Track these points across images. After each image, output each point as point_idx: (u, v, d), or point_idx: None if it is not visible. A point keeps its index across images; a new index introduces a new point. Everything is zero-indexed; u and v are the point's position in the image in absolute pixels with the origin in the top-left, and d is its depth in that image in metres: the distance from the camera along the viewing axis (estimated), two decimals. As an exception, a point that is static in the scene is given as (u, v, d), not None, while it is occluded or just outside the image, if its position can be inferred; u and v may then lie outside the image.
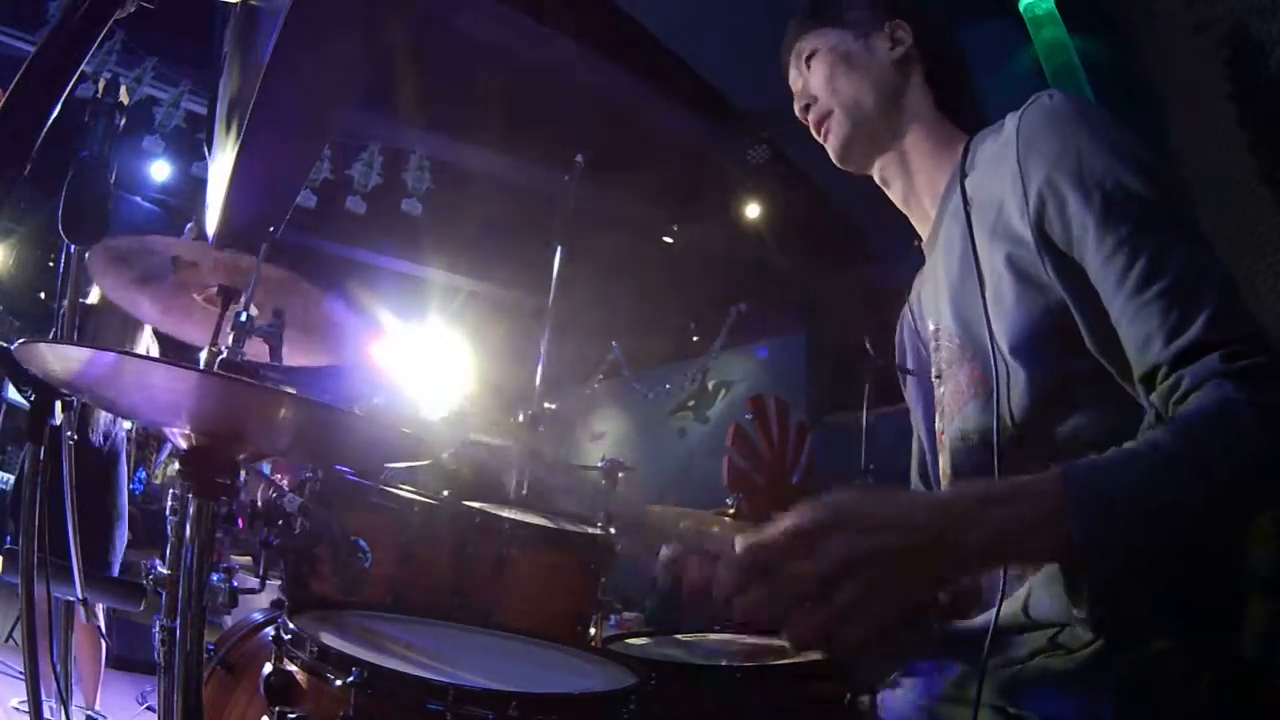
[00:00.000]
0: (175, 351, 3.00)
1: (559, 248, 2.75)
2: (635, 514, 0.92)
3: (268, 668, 1.01)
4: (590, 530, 1.79)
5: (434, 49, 4.11)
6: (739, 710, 1.23)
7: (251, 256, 1.55)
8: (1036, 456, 0.90)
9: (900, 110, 1.12)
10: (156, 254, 1.68)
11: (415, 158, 5.44)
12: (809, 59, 1.17)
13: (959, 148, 1.06)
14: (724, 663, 1.40)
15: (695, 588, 0.79)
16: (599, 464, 2.20)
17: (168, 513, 1.53)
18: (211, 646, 1.52)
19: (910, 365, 1.21)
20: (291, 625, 1.04)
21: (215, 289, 1.71)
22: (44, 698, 1.44)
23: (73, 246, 1.42)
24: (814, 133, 1.17)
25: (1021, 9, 3.23)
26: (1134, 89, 2.86)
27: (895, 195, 1.16)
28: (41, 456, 1.35)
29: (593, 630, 1.63)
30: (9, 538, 2.58)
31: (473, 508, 1.63)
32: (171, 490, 1.52)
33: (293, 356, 1.62)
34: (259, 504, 1.47)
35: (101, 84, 1.26)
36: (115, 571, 3.17)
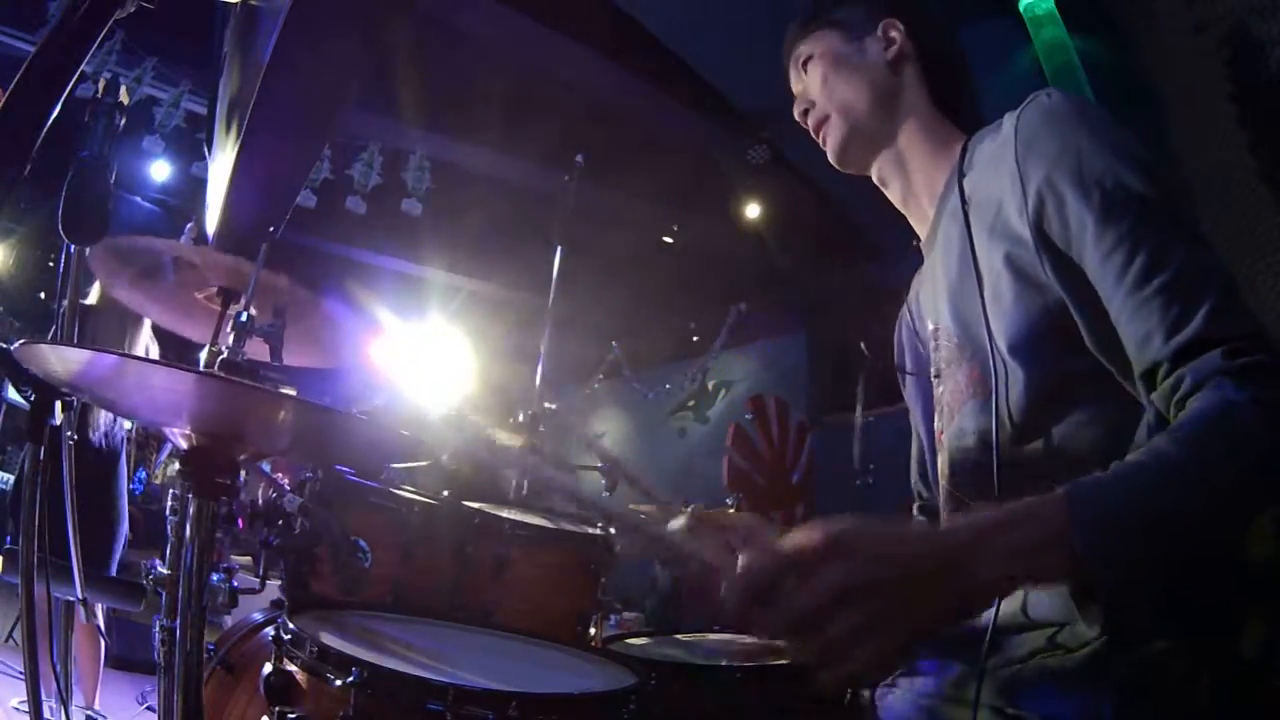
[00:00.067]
0: (176, 349, 3.01)
1: (559, 248, 2.75)
2: (634, 518, 0.92)
3: (268, 668, 1.01)
4: (590, 530, 1.79)
5: (434, 49, 4.11)
6: (739, 710, 1.23)
7: (251, 261, 1.55)
8: (1035, 456, 0.91)
9: (896, 110, 1.12)
10: (157, 254, 1.68)
11: (415, 158, 5.44)
12: (806, 63, 1.18)
13: (957, 147, 1.06)
14: (724, 663, 1.40)
15: (697, 581, 0.79)
16: (599, 464, 2.20)
17: (168, 513, 1.53)
18: (211, 646, 1.52)
19: (909, 365, 1.21)
20: (291, 625, 1.04)
21: (215, 289, 1.71)
22: (44, 698, 1.44)
23: (73, 246, 1.42)
24: (813, 136, 1.18)
25: (1021, 9, 3.23)
26: (1134, 89, 2.86)
27: (894, 195, 1.16)
28: (41, 456, 1.35)
29: (593, 630, 1.63)
30: (9, 538, 2.58)
31: (473, 508, 1.63)
32: (171, 490, 1.52)
33: (293, 357, 1.62)
34: (259, 504, 1.47)
35: (101, 84, 1.26)
36: (113, 571, 3.17)
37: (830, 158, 1.17)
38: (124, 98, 1.27)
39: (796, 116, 1.19)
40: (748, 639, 1.59)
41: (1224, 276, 0.80)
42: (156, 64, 4.63)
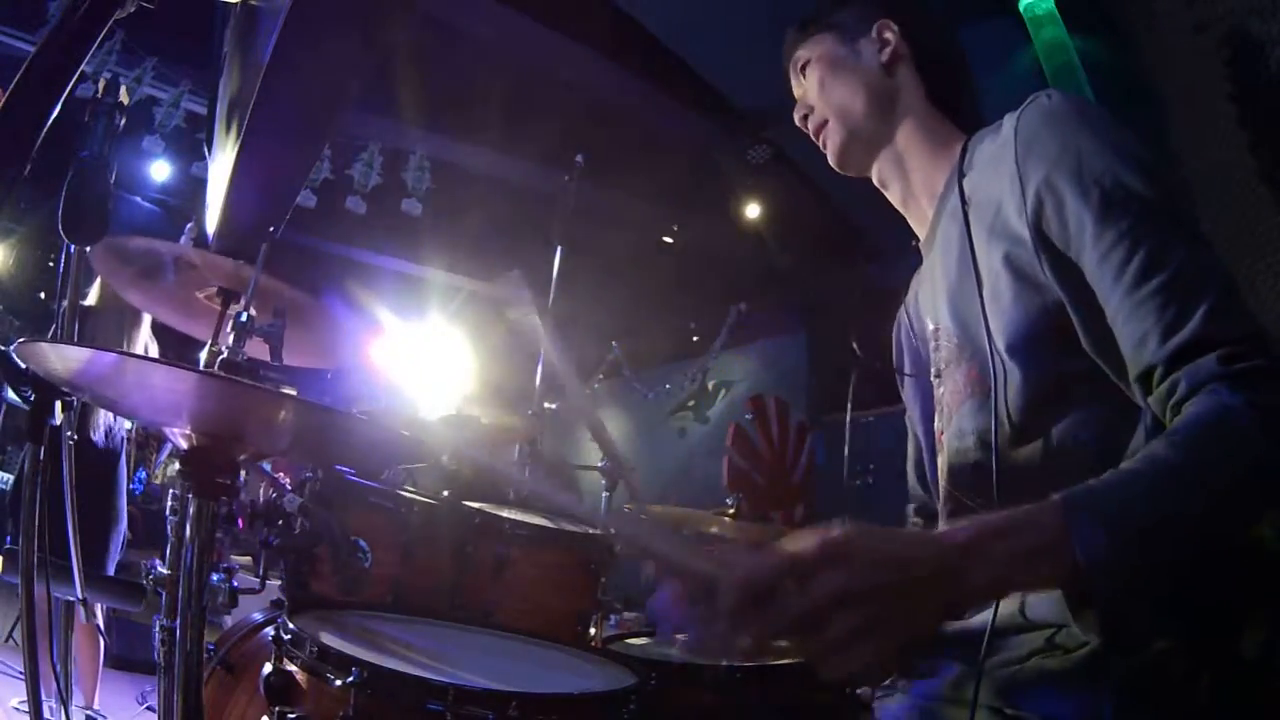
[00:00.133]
0: (176, 347, 3.01)
1: (559, 248, 2.75)
2: (636, 531, 0.92)
3: (268, 668, 1.01)
4: (590, 530, 1.79)
5: (434, 49, 4.11)
6: (739, 710, 1.23)
7: (251, 264, 1.55)
8: (1034, 456, 0.91)
9: (893, 110, 1.12)
10: (157, 254, 1.68)
11: (415, 158, 5.44)
12: (804, 68, 1.18)
13: (956, 147, 1.06)
14: (724, 663, 1.40)
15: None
16: (599, 464, 2.20)
17: (168, 513, 1.53)
18: (211, 646, 1.52)
19: (907, 366, 1.21)
20: (291, 625, 1.04)
21: (216, 289, 1.71)
22: (44, 698, 1.44)
23: (73, 246, 1.42)
24: (814, 140, 1.18)
25: (1021, 9, 3.23)
26: (1134, 89, 2.86)
27: (894, 196, 1.16)
28: (41, 456, 1.35)
29: (593, 630, 1.63)
30: (9, 538, 2.58)
31: (473, 508, 1.63)
32: (171, 490, 1.52)
33: (293, 358, 1.62)
34: (259, 504, 1.47)
35: (101, 84, 1.26)
36: (110, 571, 3.17)
37: (831, 161, 1.17)
38: (124, 98, 1.27)
39: (797, 122, 1.19)
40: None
41: (1223, 277, 0.80)
42: (156, 64, 4.63)
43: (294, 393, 1.01)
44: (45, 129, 0.68)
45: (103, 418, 3.19)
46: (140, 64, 4.57)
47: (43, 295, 6.57)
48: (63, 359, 1.04)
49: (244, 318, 1.46)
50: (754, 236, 5.69)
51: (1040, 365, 0.90)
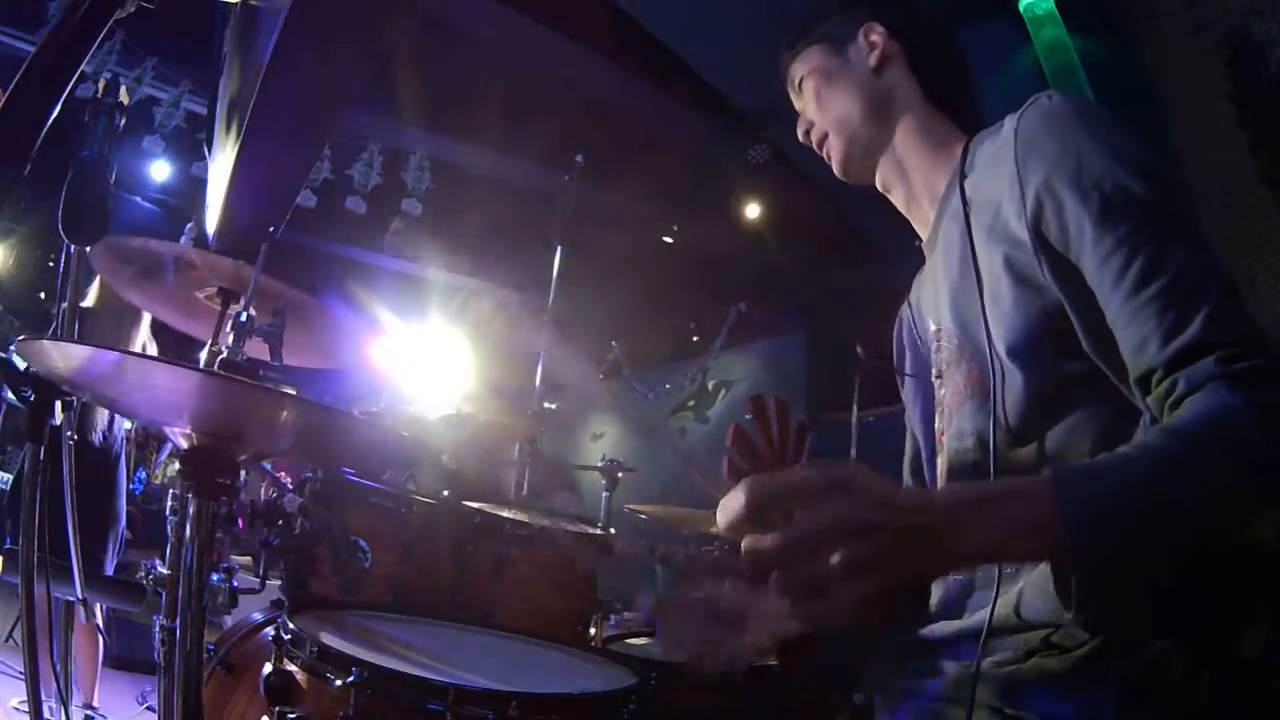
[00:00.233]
0: (175, 347, 3.01)
1: (559, 248, 2.75)
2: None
3: (268, 668, 1.01)
4: (590, 530, 1.79)
5: (434, 49, 4.11)
6: (739, 710, 1.23)
7: (251, 264, 1.55)
8: (1033, 458, 0.91)
9: (890, 113, 1.12)
10: (157, 254, 1.68)
11: (415, 158, 5.44)
12: (800, 84, 1.19)
13: (957, 148, 1.06)
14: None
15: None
16: (599, 464, 2.20)
17: (168, 513, 1.53)
18: (211, 646, 1.52)
19: (908, 366, 1.21)
20: (291, 625, 1.04)
21: (216, 289, 1.71)
22: (44, 698, 1.43)
23: (73, 246, 1.42)
24: (818, 153, 1.19)
25: (1021, 9, 3.23)
26: (1134, 89, 2.86)
27: (897, 200, 1.16)
28: (41, 456, 1.35)
29: (593, 630, 1.63)
30: (9, 538, 2.58)
31: (473, 508, 1.63)
32: (171, 490, 1.52)
33: (293, 357, 1.62)
34: (259, 504, 1.47)
35: (101, 84, 1.26)
36: (109, 571, 3.18)
37: (836, 172, 1.17)
38: (124, 98, 1.27)
39: (800, 138, 1.20)
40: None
41: (1223, 280, 0.80)
42: (156, 64, 4.64)
43: (294, 392, 1.01)
44: (45, 129, 0.68)
45: (100, 418, 3.19)
46: (140, 64, 4.58)
47: (43, 295, 6.57)
48: (64, 357, 1.04)
49: (244, 317, 1.46)
50: (754, 236, 5.69)
51: (1040, 367, 0.90)
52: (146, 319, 3.23)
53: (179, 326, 1.89)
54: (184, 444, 1.06)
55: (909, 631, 1.02)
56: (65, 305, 1.49)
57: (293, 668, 1.01)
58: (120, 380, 1.08)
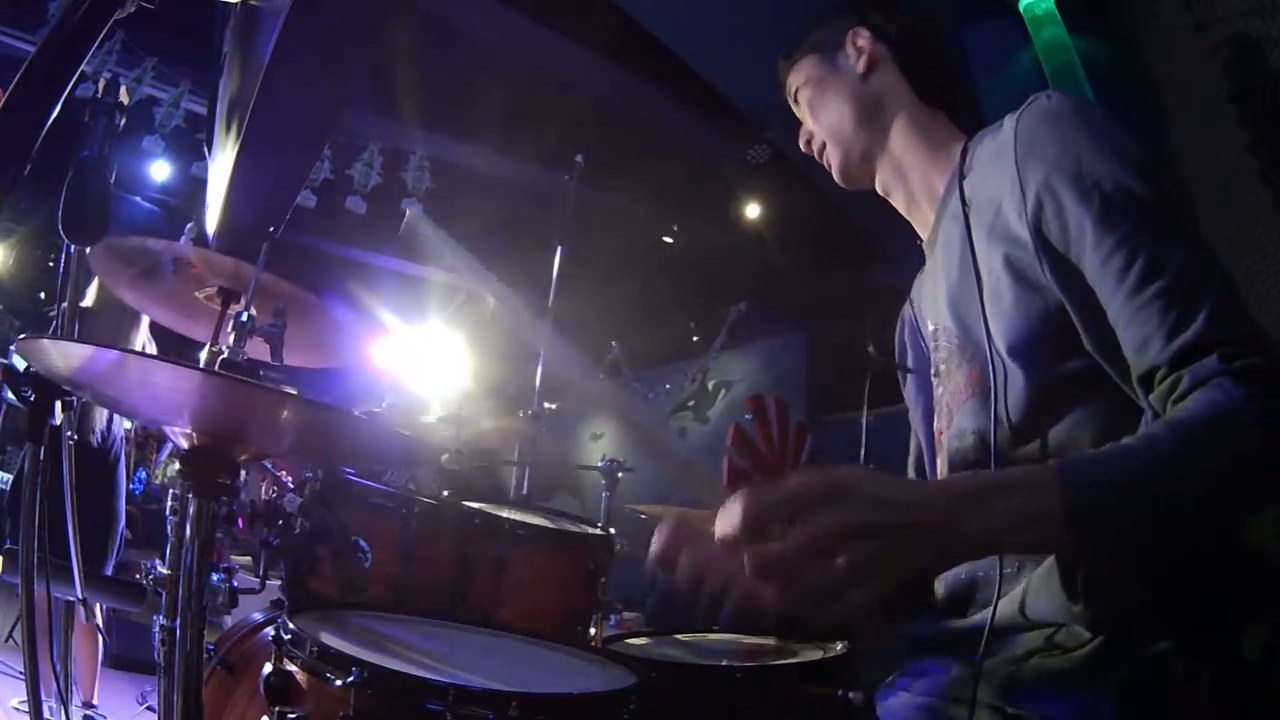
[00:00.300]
0: (175, 347, 3.01)
1: (559, 248, 2.75)
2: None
3: (268, 668, 1.01)
4: (590, 530, 1.79)
5: (434, 49, 4.11)
6: (739, 710, 1.23)
7: (251, 263, 1.55)
8: (1033, 456, 0.91)
9: (882, 116, 1.12)
10: (156, 254, 1.68)
11: (415, 158, 5.44)
12: (797, 95, 1.20)
13: (956, 148, 1.06)
14: (724, 663, 1.40)
15: (686, 580, 0.79)
16: (599, 464, 2.20)
17: (168, 513, 1.53)
18: (211, 646, 1.52)
19: (910, 364, 1.21)
20: (291, 625, 1.04)
21: (216, 289, 1.71)
22: (44, 697, 1.44)
23: (73, 246, 1.42)
24: (820, 162, 1.20)
25: (1021, 9, 3.23)
26: (1134, 89, 2.86)
27: (898, 202, 1.16)
28: (41, 456, 1.35)
29: (593, 630, 1.63)
30: (9, 538, 2.58)
31: (473, 508, 1.63)
32: (171, 490, 1.52)
33: (294, 357, 1.62)
34: (259, 504, 1.47)
35: (101, 84, 1.26)
36: (109, 571, 3.18)
37: (837, 180, 1.19)
38: (124, 98, 1.26)
39: (802, 148, 1.21)
40: (748, 639, 1.59)
41: (1223, 279, 0.80)
42: (156, 64, 4.64)
43: (294, 392, 1.01)
44: (45, 129, 0.68)
45: (99, 418, 3.19)
46: (140, 64, 4.58)
47: (43, 295, 6.57)
48: (64, 356, 1.04)
49: (244, 318, 1.46)
50: (754, 237, 5.69)
51: (1040, 366, 0.90)
52: (146, 318, 3.23)
53: (179, 329, 1.89)
54: (184, 444, 1.06)
55: (914, 623, 1.03)
56: (65, 305, 1.49)
57: (293, 668, 1.00)
58: (120, 380, 1.08)
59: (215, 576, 1.12)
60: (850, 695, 1.08)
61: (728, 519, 0.67)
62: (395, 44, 3.68)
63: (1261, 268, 2.10)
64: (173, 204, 5.82)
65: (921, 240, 1.15)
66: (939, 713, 0.95)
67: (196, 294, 1.74)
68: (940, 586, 1.01)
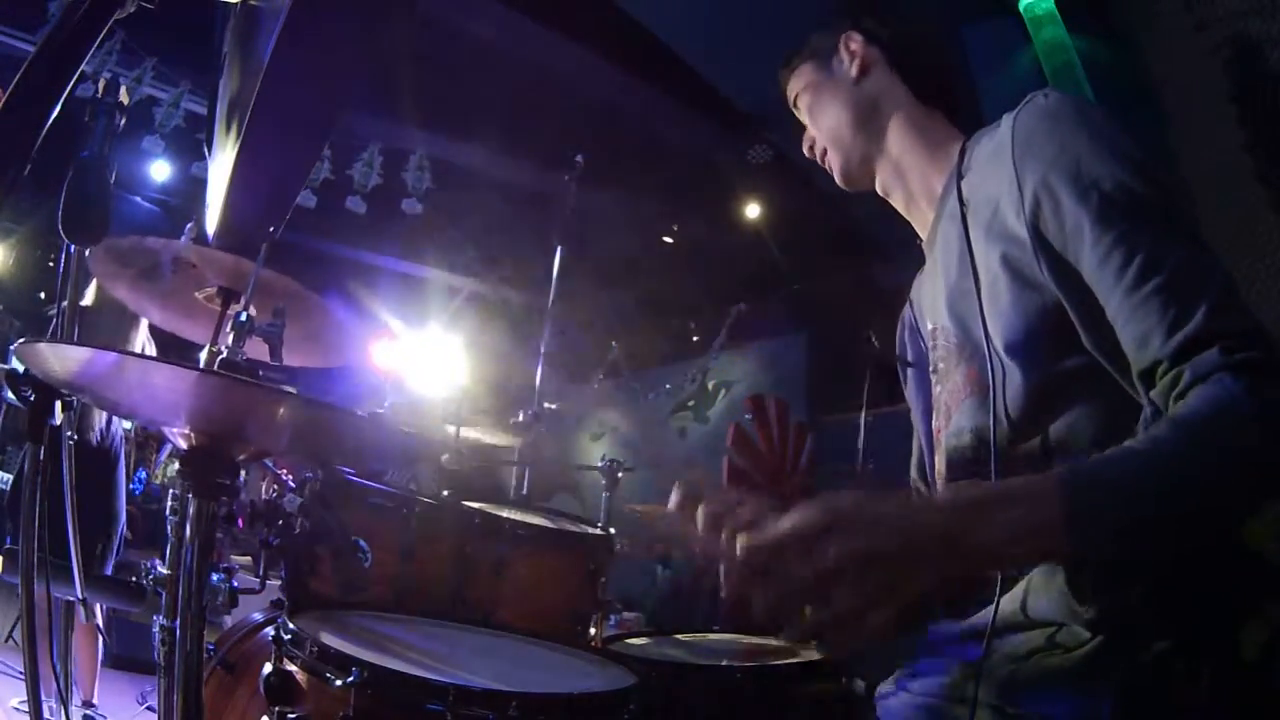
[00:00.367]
0: (174, 350, 3.01)
1: (559, 248, 2.75)
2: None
3: (268, 668, 1.01)
4: (590, 530, 1.79)
5: (434, 49, 4.11)
6: (739, 710, 1.23)
7: (251, 261, 1.55)
8: (1033, 454, 0.91)
9: (878, 119, 1.13)
10: (156, 254, 1.68)
11: (415, 158, 5.44)
12: (797, 100, 1.21)
13: (954, 148, 1.06)
14: (724, 663, 1.40)
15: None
16: (599, 464, 2.21)
17: (168, 513, 1.53)
18: (211, 646, 1.52)
19: (911, 361, 1.22)
20: (291, 625, 1.04)
21: (215, 289, 1.71)
22: (44, 698, 1.43)
23: (73, 246, 1.42)
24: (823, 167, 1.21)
25: (1021, 9, 3.23)
26: (1134, 89, 2.86)
27: (898, 203, 1.17)
28: (41, 456, 1.35)
29: (593, 630, 1.63)
30: (9, 538, 2.58)
31: (473, 508, 1.63)
32: (171, 490, 1.52)
33: (294, 357, 1.62)
34: (259, 504, 1.47)
35: (101, 84, 1.26)
36: (109, 571, 3.18)
37: (839, 184, 1.19)
38: (124, 98, 1.26)
39: (806, 154, 1.22)
40: (748, 639, 1.59)
41: (1222, 275, 0.80)
42: (156, 64, 4.64)
43: (293, 391, 1.01)
44: (45, 129, 0.68)
45: (98, 417, 3.19)
46: (140, 64, 4.57)
47: (43, 295, 6.56)
48: (62, 360, 1.04)
49: (243, 318, 1.45)
50: (754, 236, 5.69)
51: (1038, 364, 0.90)
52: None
53: (178, 331, 1.89)
54: (183, 444, 1.06)
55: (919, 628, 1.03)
56: (65, 306, 1.49)
57: (293, 668, 1.00)
58: (119, 381, 1.08)
59: (215, 576, 1.12)
60: (853, 685, 1.09)
61: (730, 573, 0.68)
62: (395, 44, 3.68)
63: (1261, 267, 2.11)
64: (173, 204, 5.82)
65: (921, 240, 1.16)
66: (939, 713, 0.95)
67: (196, 294, 1.74)
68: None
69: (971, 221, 0.97)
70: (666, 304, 6.82)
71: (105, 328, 3.11)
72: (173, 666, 1.04)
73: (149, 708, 3.27)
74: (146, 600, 2.10)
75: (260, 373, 1.34)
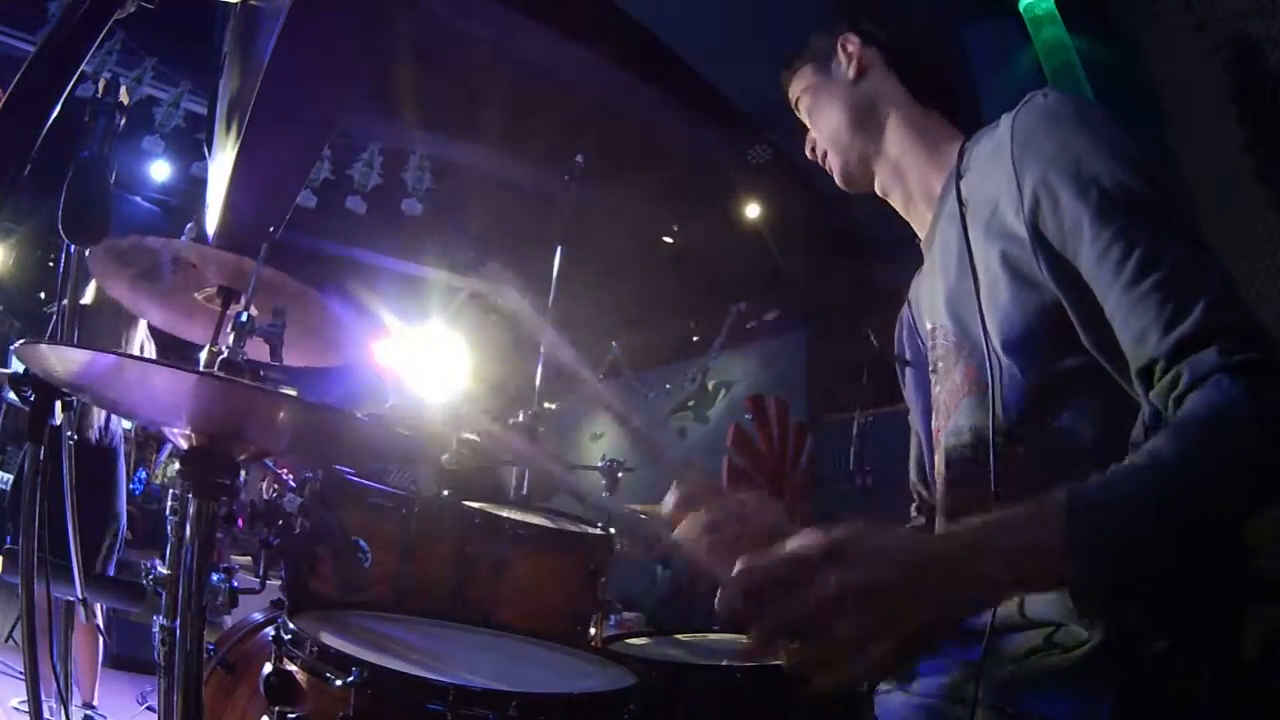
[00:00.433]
0: (174, 350, 3.01)
1: (559, 248, 2.75)
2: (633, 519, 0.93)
3: (268, 668, 1.01)
4: (590, 530, 1.79)
5: (434, 49, 4.11)
6: (739, 710, 1.23)
7: (251, 259, 1.55)
8: (1031, 452, 0.91)
9: (876, 120, 1.13)
10: (156, 253, 1.68)
11: (415, 158, 5.44)
12: (798, 103, 1.22)
13: (953, 148, 1.06)
14: (724, 663, 1.40)
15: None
16: (599, 464, 2.21)
17: (168, 513, 1.53)
18: (211, 646, 1.52)
19: (910, 360, 1.22)
20: (291, 625, 1.04)
21: (215, 289, 1.71)
22: (44, 698, 1.44)
23: (73, 246, 1.42)
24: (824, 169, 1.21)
25: (1021, 9, 3.23)
26: (1134, 89, 2.86)
27: (897, 203, 1.17)
28: (41, 456, 1.35)
29: (593, 630, 1.63)
30: (9, 538, 2.58)
31: (473, 508, 1.63)
32: (171, 490, 1.52)
33: (294, 357, 1.62)
34: (259, 504, 1.47)
35: (101, 84, 1.26)
36: (112, 571, 3.17)
37: (839, 185, 1.20)
38: (124, 98, 1.26)
39: (808, 156, 1.23)
40: (748, 639, 1.59)
41: (1221, 274, 0.80)
42: (156, 64, 4.64)
43: (293, 393, 1.01)
44: (45, 129, 0.68)
45: (97, 415, 3.19)
46: (140, 64, 4.58)
47: (43, 295, 6.56)
48: (62, 360, 1.04)
49: (244, 317, 1.45)
50: (754, 236, 5.69)
51: (1038, 362, 0.90)
52: (145, 316, 3.22)
53: (178, 331, 1.89)
54: (183, 444, 1.06)
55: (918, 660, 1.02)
56: (65, 305, 1.49)
57: (293, 668, 1.00)
58: (119, 381, 1.08)
59: (215, 576, 1.12)
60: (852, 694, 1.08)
61: (728, 597, 0.67)
62: (395, 44, 3.68)
63: (1261, 267, 2.10)
64: (173, 204, 5.83)
65: (920, 240, 1.16)
66: (939, 712, 0.95)
67: (196, 294, 1.74)
68: None
69: (971, 221, 0.97)
70: (666, 304, 6.82)
71: (105, 326, 3.11)
72: (173, 666, 1.04)
73: (149, 708, 3.27)
74: (146, 600, 2.10)
75: (260, 373, 1.34)
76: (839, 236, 5.61)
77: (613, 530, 1.78)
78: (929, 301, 1.12)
